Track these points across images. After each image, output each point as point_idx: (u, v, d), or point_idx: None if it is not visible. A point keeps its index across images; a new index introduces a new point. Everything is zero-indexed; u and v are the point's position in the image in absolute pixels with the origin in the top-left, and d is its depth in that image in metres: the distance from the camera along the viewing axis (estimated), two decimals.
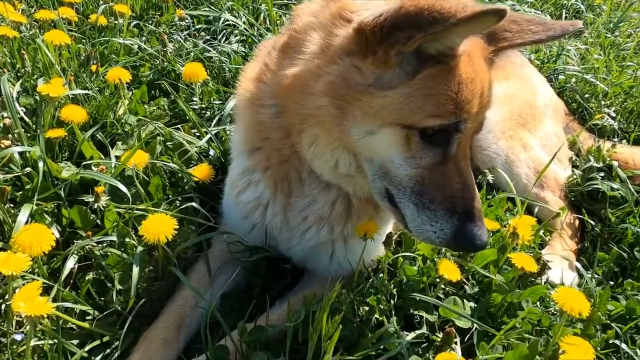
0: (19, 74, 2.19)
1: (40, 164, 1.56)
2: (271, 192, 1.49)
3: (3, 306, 1.36)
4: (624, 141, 2.53)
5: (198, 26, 2.88)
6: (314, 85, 1.21)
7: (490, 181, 2.03)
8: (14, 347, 1.28)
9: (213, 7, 2.89)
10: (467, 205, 1.25)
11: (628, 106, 2.68)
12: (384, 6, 1.14)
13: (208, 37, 2.85)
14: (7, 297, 1.33)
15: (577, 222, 2.12)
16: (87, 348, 1.34)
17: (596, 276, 1.87)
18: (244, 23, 2.76)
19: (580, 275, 1.86)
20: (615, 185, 2.07)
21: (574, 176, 2.22)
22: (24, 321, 1.32)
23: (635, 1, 4.21)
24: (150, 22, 2.94)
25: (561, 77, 2.89)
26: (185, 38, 2.62)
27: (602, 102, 2.69)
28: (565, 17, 3.77)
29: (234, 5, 2.77)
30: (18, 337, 1.27)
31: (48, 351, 1.29)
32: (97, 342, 1.37)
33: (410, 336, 1.41)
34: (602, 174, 2.20)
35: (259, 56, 1.55)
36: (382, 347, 1.38)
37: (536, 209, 2.09)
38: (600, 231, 2.05)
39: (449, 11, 1.02)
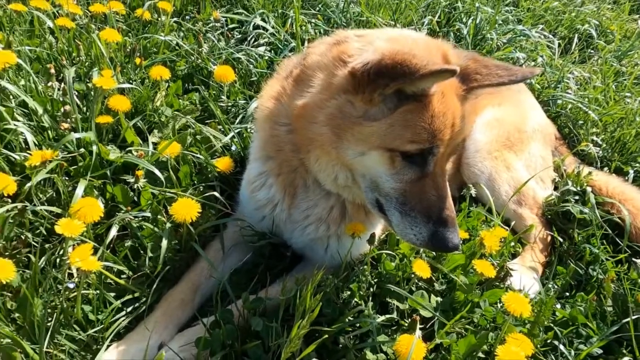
0: (74, 61, 2.52)
1: (94, 148, 1.89)
2: (281, 194, 1.80)
3: (58, 260, 1.70)
4: (606, 169, 2.77)
5: (231, 26, 3.17)
6: (317, 115, 1.51)
7: (473, 195, 2.31)
8: (67, 293, 1.62)
9: (246, 12, 3.17)
10: (441, 213, 1.52)
11: (616, 136, 2.91)
12: (371, 55, 1.43)
13: (239, 37, 3.16)
14: (62, 253, 1.67)
15: (548, 238, 2.39)
16: (121, 300, 1.68)
17: (555, 287, 2.16)
18: (272, 27, 3.04)
19: (543, 284, 2.16)
20: (584, 209, 2.32)
21: (552, 197, 2.49)
22: (76, 274, 1.67)
23: None
24: (188, 17, 3.25)
25: (559, 101, 3.12)
26: (218, 38, 2.91)
27: (592, 130, 2.92)
28: (577, 42, 3.97)
29: (265, 11, 3.05)
30: (71, 285, 1.62)
31: (92, 299, 1.63)
32: (130, 296, 1.70)
33: (381, 318, 1.72)
34: (577, 197, 2.46)
35: (280, 75, 1.85)
36: (357, 324, 1.70)
37: (512, 223, 2.36)
38: (566, 248, 2.32)
39: (415, 67, 1.31)
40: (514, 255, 2.32)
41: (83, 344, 1.58)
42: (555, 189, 2.59)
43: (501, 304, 1.74)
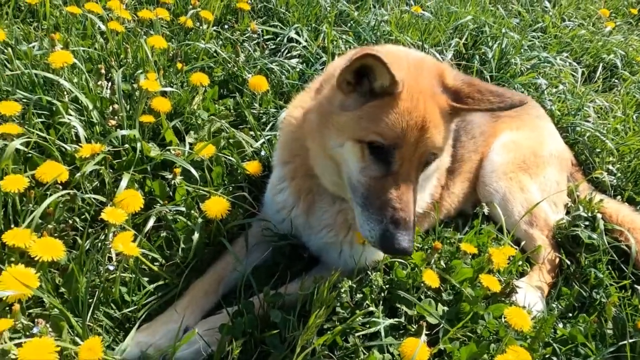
0: (121, 63, 2.72)
1: (138, 145, 2.07)
2: (294, 198, 1.97)
3: (99, 244, 1.88)
4: (619, 197, 2.84)
5: (266, 37, 3.35)
6: (313, 109, 1.71)
7: (486, 213, 2.42)
8: (106, 274, 1.79)
9: (281, 24, 3.35)
10: (395, 214, 1.56)
11: (632, 166, 2.98)
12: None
13: (273, 47, 3.34)
14: (104, 238, 1.84)
15: (557, 259, 2.48)
16: (154, 285, 1.85)
17: (559, 307, 2.25)
18: (305, 41, 3.21)
19: (547, 303, 2.26)
20: (593, 235, 2.41)
21: (563, 220, 2.58)
22: (115, 257, 1.84)
23: None
24: (226, 26, 3.45)
25: (578, 128, 3.21)
26: (254, 49, 3.09)
27: (608, 159, 3.00)
28: (602, 71, 4.04)
29: (299, 25, 3.22)
30: (111, 268, 1.79)
31: (129, 282, 1.80)
32: (161, 282, 1.87)
33: (389, 321, 1.84)
34: (587, 222, 2.54)
35: (309, 88, 2.01)
36: (367, 325, 1.83)
37: (522, 243, 2.47)
38: (573, 271, 2.41)
39: (350, 61, 1.53)
40: (522, 274, 2.42)
41: (117, 322, 1.75)
42: (568, 213, 2.68)
43: (504, 318, 1.85)
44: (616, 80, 4.11)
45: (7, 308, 1.49)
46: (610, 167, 2.95)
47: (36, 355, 1.31)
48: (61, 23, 2.88)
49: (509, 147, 2.60)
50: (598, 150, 3.08)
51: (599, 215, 2.53)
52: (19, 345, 1.39)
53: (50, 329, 1.51)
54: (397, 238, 1.54)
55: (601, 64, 4.07)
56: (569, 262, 2.43)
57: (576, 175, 2.92)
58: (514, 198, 2.51)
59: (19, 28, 2.68)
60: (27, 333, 1.48)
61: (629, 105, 3.61)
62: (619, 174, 2.92)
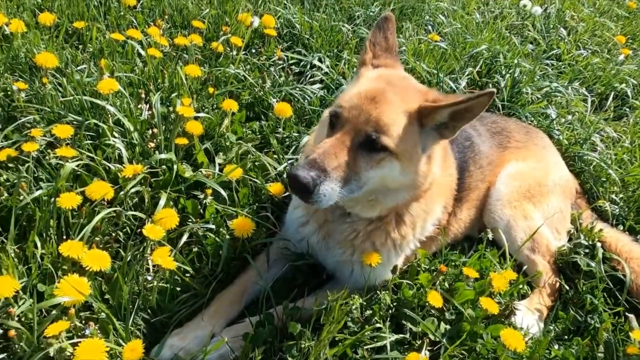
0: (158, 87, 2.98)
1: (175, 167, 2.31)
2: (306, 215, 2.21)
3: (138, 256, 2.11)
4: (621, 226, 2.98)
5: (291, 61, 3.58)
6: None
7: (490, 239, 2.59)
8: (145, 283, 2.02)
9: (305, 50, 3.58)
10: (310, 154, 1.79)
11: (635, 196, 3.12)
12: None
13: (297, 71, 3.56)
14: (143, 250, 2.07)
15: (557, 284, 2.64)
16: (185, 295, 2.07)
17: (556, 330, 2.41)
18: (327, 67, 3.43)
19: (545, 325, 2.42)
20: (591, 263, 2.57)
21: (564, 247, 2.73)
22: (151, 268, 2.07)
23: None
24: (253, 50, 3.69)
25: (585, 157, 3.35)
26: (279, 75, 3.32)
27: (612, 189, 3.14)
28: (613, 100, 4.17)
29: (322, 53, 3.45)
30: (149, 278, 2.02)
31: (164, 291, 2.03)
32: (192, 292, 2.09)
33: (395, 337, 2.03)
34: (587, 250, 2.70)
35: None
36: (375, 339, 2.02)
37: (524, 267, 2.63)
38: (571, 296, 2.57)
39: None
40: (524, 296, 2.59)
41: (153, 326, 1.98)
42: (570, 240, 2.83)
43: (500, 338, 2.02)
44: (627, 109, 4.23)
45: (63, 312, 1.73)
46: (614, 196, 3.09)
47: (90, 354, 1.54)
48: (105, 47, 3.15)
49: (515, 177, 2.77)
50: (603, 179, 3.22)
51: (599, 244, 2.68)
52: (73, 344, 1.63)
53: (98, 331, 1.74)
54: (297, 168, 1.73)
55: (612, 93, 4.19)
56: (567, 287, 2.58)
57: (580, 203, 3.07)
58: (517, 225, 2.67)
59: (68, 53, 2.95)
60: (80, 334, 1.71)
61: (638, 135, 3.74)
62: (622, 204, 3.06)
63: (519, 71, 3.76)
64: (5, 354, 1.69)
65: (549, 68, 4.27)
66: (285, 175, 2.25)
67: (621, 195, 3.12)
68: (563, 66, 4.46)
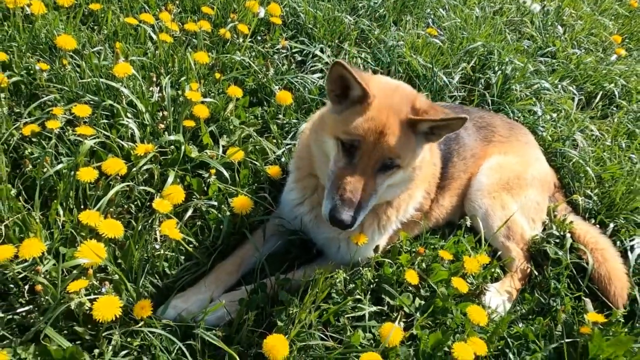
0: (168, 70, 3.18)
1: (182, 147, 2.54)
2: (300, 196, 2.43)
3: (147, 226, 2.35)
4: (592, 220, 3.21)
5: (294, 50, 3.77)
6: (318, 115, 2.27)
7: (468, 226, 2.82)
8: (153, 251, 2.27)
9: (308, 39, 3.76)
10: (344, 194, 1.99)
11: (610, 192, 3.34)
12: None
13: (299, 59, 3.75)
14: (152, 222, 2.31)
15: (528, 270, 2.88)
16: (189, 263, 2.32)
17: (523, 310, 2.67)
18: (328, 57, 3.62)
19: (514, 305, 2.67)
20: (559, 252, 2.81)
21: (537, 236, 2.97)
22: (159, 238, 2.32)
23: None
24: (259, 37, 3.87)
25: (566, 154, 3.56)
26: (282, 63, 3.51)
27: (589, 184, 3.36)
28: (601, 98, 4.36)
29: (323, 44, 3.63)
30: (157, 246, 2.27)
31: (169, 258, 2.28)
32: (194, 261, 2.34)
33: (374, 308, 2.29)
34: (557, 240, 2.94)
35: (323, 107, 2.45)
36: (356, 309, 2.28)
37: (499, 253, 2.87)
38: (539, 281, 2.82)
39: (328, 72, 2.06)
40: (497, 279, 2.84)
41: (159, 289, 2.23)
42: (544, 230, 3.07)
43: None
44: (615, 108, 4.42)
45: (82, 272, 1.98)
46: (589, 192, 3.31)
47: (107, 309, 1.79)
48: (119, 29, 3.34)
49: (496, 169, 2.99)
50: (581, 175, 3.43)
51: (568, 235, 2.92)
52: (91, 300, 1.88)
53: (112, 290, 2.00)
54: (339, 211, 1.96)
55: (601, 92, 4.38)
56: (537, 273, 2.83)
57: (558, 196, 3.30)
58: (494, 214, 2.90)
59: (84, 35, 3.15)
60: (96, 292, 1.96)
61: (620, 134, 3.94)
62: (595, 199, 3.29)
63: (511, 68, 3.94)
64: (31, 306, 1.95)
65: (542, 65, 4.44)
66: (283, 164, 2.51)
67: (596, 191, 3.34)
68: (557, 64, 4.63)
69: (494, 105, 3.74)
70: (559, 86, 4.14)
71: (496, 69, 3.95)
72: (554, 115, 3.76)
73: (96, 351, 1.86)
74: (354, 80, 2.00)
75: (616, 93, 4.35)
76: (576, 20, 5.45)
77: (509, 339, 2.37)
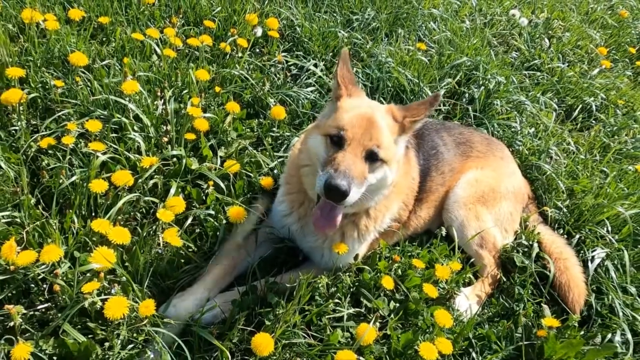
0: (171, 84, 3.42)
1: (184, 161, 2.80)
2: (289, 209, 2.70)
3: (151, 233, 2.62)
4: (561, 230, 3.48)
5: (290, 63, 4.01)
6: (312, 126, 2.58)
7: (444, 235, 3.09)
8: (156, 255, 2.54)
9: (304, 53, 4.00)
10: (339, 167, 2.19)
11: (580, 205, 3.60)
12: None
13: (295, 72, 3.99)
14: (155, 229, 2.58)
15: (498, 276, 3.16)
16: (188, 266, 2.59)
17: (490, 313, 2.95)
18: (321, 71, 3.87)
19: (483, 308, 2.95)
20: (525, 260, 3.08)
21: (508, 245, 3.24)
22: (162, 244, 2.59)
23: None
24: (258, 49, 4.11)
25: (540, 168, 3.82)
26: (278, 77, 3.76)
27: (560, 197, 3.62)
28: (580, 112, 4.60)
29: (317, 59, 3.87)
30: (160, 251, 2.54)
31: (170, 262, 2.55)
32: (193, 265, 2.61)
33: (352, 310, 2.57)
34: (526, 249, 3.21)
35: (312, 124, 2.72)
36: (336, 311, 2.55)
37: (472, 260, 3.14)
38: (507, 287, 3.09)
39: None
40: (469, 283, 3.11)
41: (160, 290, 2.51)
42: (515, 239, 3.33)
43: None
44: (594, 121, 4.67)
45: (95, 275, 2.25)
46: (559, 204, 3.57)
47: (116, 308, 2.06)
48: (126, 43, 3.58)
49: (472, 183, 3.25)
50: (553, 188, 3.69)
51: (536, 244, 3.19)
52: (102, 300, 2.15)
53: (121, 291, 2.27)
54: (334, 178, 2.12)
55: (581, 105, 4.62)
56: (505, 279, 3.11)
57: (531, 207, 3.56)
58: (469, 224, 3.17)
59: (94, 48, 3.39)
60: (107, 292, 2.24)
61: (596, 147, 4.19)
62: (565, 210, 3.55)
63: (494, 83, 4.18)
64: (50, 303, 2.22)
65: (527, 79, 4.68)
66: (275, 172, 2.77)
67: (566, 203, 3.60)
68: (540, 77, 4.86)
69: (476, 120, 3.98)
70: (540, 100, 4.37)
71: (480, 83, 4.19)
72: (532, 130, 4.01)
73: (106, 344, 2.14)
74: (334, 75, 2.40)
75: (594, 106, 4.58)
76: (564, 32, 5.66)
77: (473, 340, 2.65)
